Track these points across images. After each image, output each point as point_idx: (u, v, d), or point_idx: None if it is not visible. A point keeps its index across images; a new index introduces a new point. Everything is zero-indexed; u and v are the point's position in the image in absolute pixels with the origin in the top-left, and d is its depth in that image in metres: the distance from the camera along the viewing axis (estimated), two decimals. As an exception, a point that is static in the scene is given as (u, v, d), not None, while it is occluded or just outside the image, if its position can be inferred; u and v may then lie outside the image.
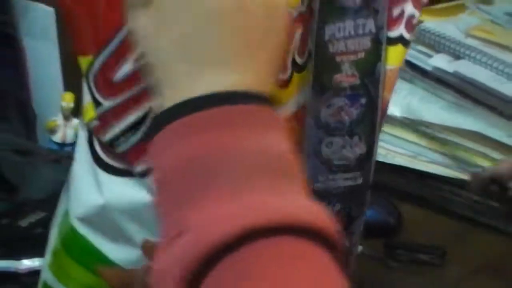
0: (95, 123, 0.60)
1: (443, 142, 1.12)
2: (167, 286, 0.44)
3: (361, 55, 0.63)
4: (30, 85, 1.19)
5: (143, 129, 0.59)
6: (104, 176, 0.61)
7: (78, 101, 1.01)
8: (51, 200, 0.89)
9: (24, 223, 0.97)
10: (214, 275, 0.43)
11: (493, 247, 1.01)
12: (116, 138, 0.59)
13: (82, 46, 0.58)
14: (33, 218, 0.97)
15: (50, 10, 1.13)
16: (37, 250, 0.85)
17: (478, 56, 1.13)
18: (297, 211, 0.44)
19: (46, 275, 0.69)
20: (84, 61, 0.58)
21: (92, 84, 0.58)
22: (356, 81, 0.63)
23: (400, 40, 0.67)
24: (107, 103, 0.58)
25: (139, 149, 0.59)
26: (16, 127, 1.17)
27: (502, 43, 1.15)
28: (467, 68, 1.13)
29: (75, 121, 1.11)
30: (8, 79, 1.19)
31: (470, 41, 1.16)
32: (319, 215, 0.44)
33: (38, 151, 1.10)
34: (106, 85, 0.58)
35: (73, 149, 1.08)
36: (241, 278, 0.42)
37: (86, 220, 0.63)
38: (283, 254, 0.43)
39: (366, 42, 0.63)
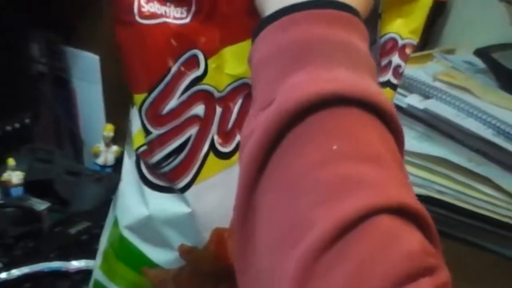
0: (144, 148, 0.62)
1: (416, 166, 1.15)
2: (251, 147, 0.45)
3: None
4: (78, 118, 1.26)
5: (184, 152, 0.61)
6: (149, 192, 0.64)
7: (117, 131, 1.18)
8: (94, 212, 1.07)
9: (73, 231, 1.03)
10: (294, 132, 0.44)
11: (460, 256, 1.06)
12: (161, 161, 0.62)
13: (137, 86, 0.60)
14: (80, 227, 1.04)
15: (95, 57, 1.19)
16: (84, 253, 0.96)
17: (443, 96, 1.16)
18: (371, 90, 0.46)
19: (97, 275, 0.71)
20: (138, 98, 0.61)
21: (143, 116, 0.61)
22: None
23: (388, 84, 0.70)
24: (155, 132, 0.61)
25: (179, 170, 0.62)
26: (68, 152, 1.27)
27: (463, 86, 1.18)
28: (434, 106, 1.16)
29: (114, 147, 1.19)
30: (61, 113, 1.26)
31: (437, 84, 1.19)
32: (386, 100, 0.46)
33: (85, 172, 1.17)
34: (155, 117, 0.60)
35: (113, 170, 1.17)
36: (317, 133, 0.44)
37: (133, 228, 0.66)
38: (354, 119, 0.45)
39: None
